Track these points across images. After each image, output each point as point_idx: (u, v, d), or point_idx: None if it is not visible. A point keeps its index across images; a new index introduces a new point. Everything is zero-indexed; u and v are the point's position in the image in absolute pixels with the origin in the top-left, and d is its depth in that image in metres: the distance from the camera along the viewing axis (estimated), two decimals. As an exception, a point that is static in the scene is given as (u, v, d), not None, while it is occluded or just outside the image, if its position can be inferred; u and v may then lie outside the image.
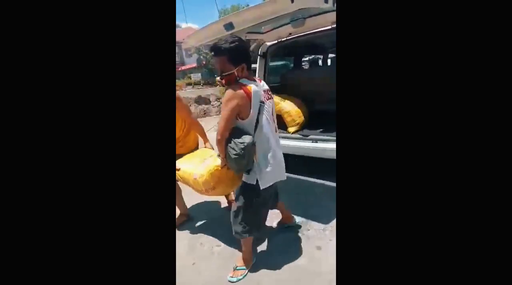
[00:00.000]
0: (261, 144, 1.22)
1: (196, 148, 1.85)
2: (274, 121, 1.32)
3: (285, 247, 1.63)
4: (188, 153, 1.71)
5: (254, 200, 1.31)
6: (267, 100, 1.25)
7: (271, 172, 1.26)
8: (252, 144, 1.16)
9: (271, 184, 1.28)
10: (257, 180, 1.25)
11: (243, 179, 1.31)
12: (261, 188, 1.25)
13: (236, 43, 1.16)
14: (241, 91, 1.13)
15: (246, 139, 1.14)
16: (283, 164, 1.36)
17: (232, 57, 1.16)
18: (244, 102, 1.13)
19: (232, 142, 1.15)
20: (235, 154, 1.13)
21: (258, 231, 1.43)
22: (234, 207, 1.39)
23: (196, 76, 12.98)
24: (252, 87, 1.16)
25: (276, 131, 1.33)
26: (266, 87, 1.30)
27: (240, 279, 1.40)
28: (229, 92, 1.13)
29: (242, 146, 1.11)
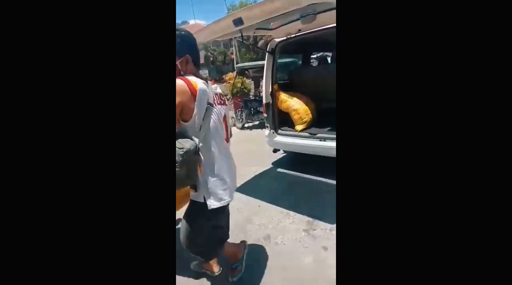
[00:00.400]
0: (207, 154, 1.02)
1: None
2: (226, 130, 1.12)
3: (291, 247, 1.62)
4: None
5: (204, 222, 1.12)
6: (219, 104, 1.08)
7: (221, 189, 1.06)
8: (194, 152, 0.95)
9: (223, 204, 1.07)
10: (204, 198, 1.05)
11: (191, 196, 1.11)
12: (209, 208, 1.05)
13: (182, 33, 1.04)
14: (184, 85, 0.94)
15: (186, 144, 0.93)
16: (232, 185, 1.14)
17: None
18: (186, 99, 0.94)
19: None
20: None
21: (218, 251, 1.26)
22: (183, 225, 1.17)
23: (203, 73, 13.05)
24: (198, 83, 0.97)
25: (228, 141, 1.15)
26: (218, 90, 1.13)
27: (241, 275, 1.37)
28: None
29: (181, 152, 0.90)
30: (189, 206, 1.13)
